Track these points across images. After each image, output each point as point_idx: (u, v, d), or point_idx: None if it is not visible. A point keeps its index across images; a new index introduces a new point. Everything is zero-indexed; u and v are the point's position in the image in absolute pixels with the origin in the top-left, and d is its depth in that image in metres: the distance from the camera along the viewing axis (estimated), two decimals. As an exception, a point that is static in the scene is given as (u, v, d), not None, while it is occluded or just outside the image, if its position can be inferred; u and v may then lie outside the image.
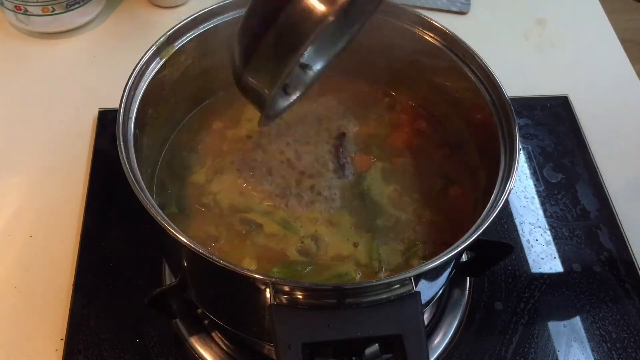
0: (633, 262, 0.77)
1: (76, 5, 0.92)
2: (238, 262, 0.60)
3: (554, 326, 0.71)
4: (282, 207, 0.65)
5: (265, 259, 0.62)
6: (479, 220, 0.53)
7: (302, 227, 0.64)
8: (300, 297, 0.50)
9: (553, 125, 0.90)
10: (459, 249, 0.51)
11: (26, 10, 0.90)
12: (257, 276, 0.49)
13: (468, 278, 0.74)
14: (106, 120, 0.85)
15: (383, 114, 0.74)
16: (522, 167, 0.85)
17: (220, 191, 0.66)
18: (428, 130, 0.73)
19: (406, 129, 0.73)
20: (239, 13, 0.66)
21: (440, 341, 0.70)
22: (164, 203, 0.65)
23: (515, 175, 0.56)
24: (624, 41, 1.02)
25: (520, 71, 0.95)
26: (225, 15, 0.66)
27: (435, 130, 0.73)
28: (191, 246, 0.49)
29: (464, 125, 0.69)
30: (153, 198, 0.64)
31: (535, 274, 0.76)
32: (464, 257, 0.74)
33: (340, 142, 0.70)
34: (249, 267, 0.61)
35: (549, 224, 0.80)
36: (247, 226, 0.64)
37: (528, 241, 0.78)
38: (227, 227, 0.64)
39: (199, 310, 0.68)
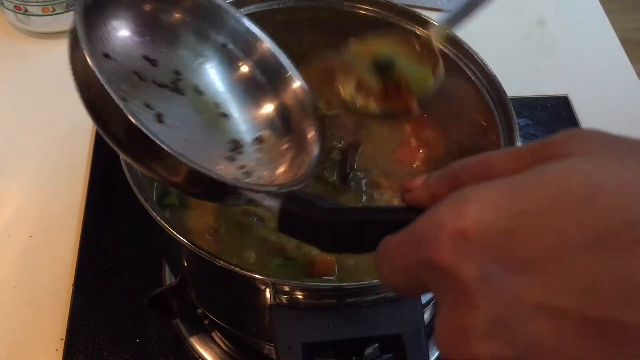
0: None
1: (76, 5, 0.92)
2: (237, 254, 0.61)
3: (554, 326, 0.71)
4: None
5: (264, 251, 0.61)
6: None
7: None
8: (300, 297, 0.50)
9: (553, 125, 0.90)
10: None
11: (26, 10, 0.90)
12: (257, 276, 0.49)
13: (468, 278, 0.74)
14: (106, 120, 0.84)
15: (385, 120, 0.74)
16: (522, 167, 0.85)
17: None
18: (432, 137, 0.73)
19: (410, 138, 0.72)
20: (238, 13, 0.66)
21: (440, 341, 0.70)
22: (165, 195, 0.65)
23: (515, 175, 0.56)
24: (624, 41, 1.02)
25: (520, 71, 0.95)
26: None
27: (439, 136, 0.72)
28: (191, 246, 0.49)
29: (464, 125, 0.69)
30: (154, 192, 0.64)
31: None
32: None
33: (349, 151, 0.69)
34: (249, 259, 0.61)
35: (549, 224, 0.80)
36: (248, 218, 0.63)
37: (528, 241, 0.78)
38: (228, 219, 0.63)
39: (199, 310, 0.68)
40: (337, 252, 0.42)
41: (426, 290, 0.30)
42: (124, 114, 0.41)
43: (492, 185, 0.27)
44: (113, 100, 0.41)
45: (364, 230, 0.38)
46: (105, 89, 0.41)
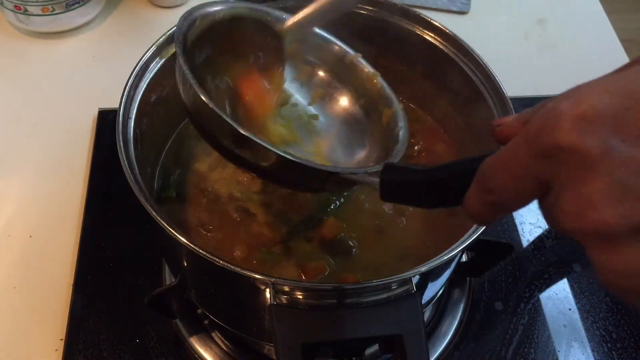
0: (633, 262, 0.77)
1: (76, 5, 0.92)
2: (230, 248, 0.61)
3: (554, 326, 0.71)
4: (278, 199, 0.65)
5: (256, 245, 0.62)
6: (479, 220, 0.53)
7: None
8: (300, 297, 0.50)
9: (553, 125, 0.90)
10: (459, 249, 0.51)
11: (26, 10, 0.90)
12: (257, 276, 0.49)
13: (468, 278, 0.74)
14: (106, 120, 0.85)
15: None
16: (522, 167, 0.85)
17: (220, 179, 0.66)
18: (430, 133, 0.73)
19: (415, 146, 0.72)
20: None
21: (440, 341, 0.70)
22: (164, 188, 0.65)
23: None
24: (624, 41, 1.02)
25: (520, 71, 0.95)
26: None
27: (437, 133, 0.72)
28: (191, 246, 0.49)
29: (464, 125, 0.69)
30: (152, 194, 0.64)
31: (536, 273, 0.76)
32: (464, 257, 0.74)
33: None
34: (242, 253, 0.61)
35: (549, 224, 0.80)
36: (241, 214, 0.64)
37: (528, 241, 0.78)
38: (220, 215, 0.64)
39: (199, 310, 0.68)
40: (439, 206, 0.44)
41: (540, 187, 0.31)
42: (231, 126, 0.48)
43: (600, 79, 0.31)
44: (223, 119, 0.48)
45: (460, 180, 0.39)
46: (215, 111, 0.48)
